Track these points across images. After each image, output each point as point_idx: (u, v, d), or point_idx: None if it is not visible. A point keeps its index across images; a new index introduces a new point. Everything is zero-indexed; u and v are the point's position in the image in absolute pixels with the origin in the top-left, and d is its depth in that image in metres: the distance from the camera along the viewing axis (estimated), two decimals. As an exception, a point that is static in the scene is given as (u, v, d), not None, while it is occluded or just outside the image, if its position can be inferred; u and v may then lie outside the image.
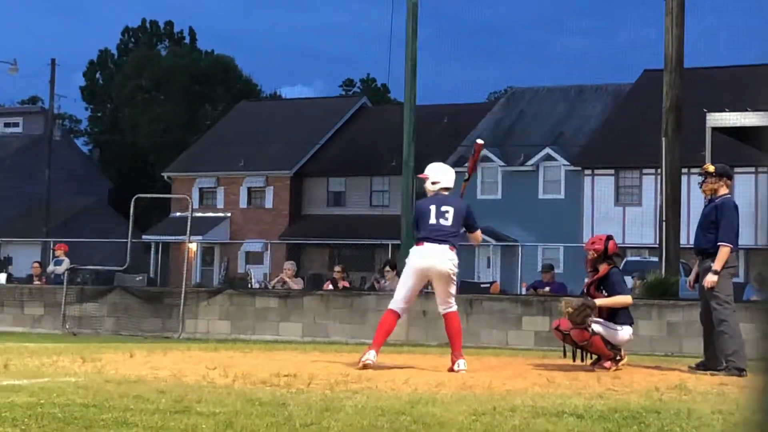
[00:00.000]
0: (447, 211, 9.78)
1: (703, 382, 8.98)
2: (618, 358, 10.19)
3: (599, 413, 6.30)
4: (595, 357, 10.29)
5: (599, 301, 10.34)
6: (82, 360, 9.95)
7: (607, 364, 10.08)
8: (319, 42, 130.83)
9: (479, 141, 10.55)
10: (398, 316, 9.94)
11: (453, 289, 9.91)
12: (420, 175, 10.49)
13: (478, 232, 10.21)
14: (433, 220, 9.73)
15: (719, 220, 10.22)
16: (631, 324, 10.50)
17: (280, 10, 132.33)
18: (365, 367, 9.36)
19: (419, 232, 9.85)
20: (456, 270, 9.83)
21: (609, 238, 10.73)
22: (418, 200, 10.69)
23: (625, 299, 10.44)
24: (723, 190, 10.45)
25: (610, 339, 10.20)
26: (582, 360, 10.38)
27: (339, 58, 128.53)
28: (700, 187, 10.62)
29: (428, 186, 10.07)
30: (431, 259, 9.68)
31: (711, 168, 10.64)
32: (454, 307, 9.91)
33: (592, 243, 10.71)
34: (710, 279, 10.08)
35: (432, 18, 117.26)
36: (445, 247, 9.68)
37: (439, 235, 9.68)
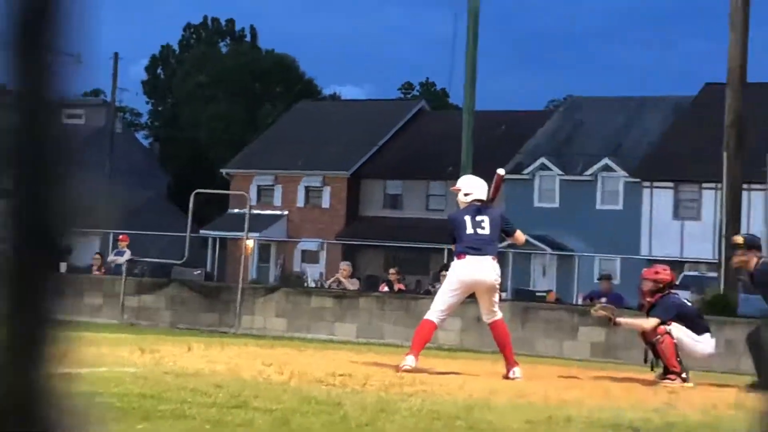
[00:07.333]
0: (483, 220, 9.79)
1: (760, 401, 8.86)
2: (684, 376, 10.04)
3: (656, 427, 6.25)
4: (663, 368, 10.13)
5: (621, 320, 10.51)
6: (141, 351, 10.05)
7: (672, 377, 9.95)
8: (378, 44, 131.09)
9: (500, 171, 10.29)
10: (436, 326, 9.98)
11: (497, 298, 9.95)
12: (452, 188, 10.50)
13: (518, 232, 10.22)
14: (470, 230, 9.75)
15: None
16: (709, 333, 10.36)
17: (341, 12, 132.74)
18: (405, 372, 9.36)
19: (459, 244, 9.81)
20: (499, 280, 9.90)
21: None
22: (450, 212, 10.67)
23: (643, 324, 10.31)
24: (753, 261, 10.21)
25: (688, 348, 10.11)
26: (654, 367, 10.19)
27: (398, 62, 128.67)
28: (730, 261, 10.57)
29: (461, 198, 10.10)
30: (477, 273, 9.68)
31: (740, 240, 10.48)
32: (500, 315, 9.92)
33: (656, 273, 10.50)
34: None
35: (493, 24, 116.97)
36: (488, 258, 9.71)
37: (479, 245, 9.68)
